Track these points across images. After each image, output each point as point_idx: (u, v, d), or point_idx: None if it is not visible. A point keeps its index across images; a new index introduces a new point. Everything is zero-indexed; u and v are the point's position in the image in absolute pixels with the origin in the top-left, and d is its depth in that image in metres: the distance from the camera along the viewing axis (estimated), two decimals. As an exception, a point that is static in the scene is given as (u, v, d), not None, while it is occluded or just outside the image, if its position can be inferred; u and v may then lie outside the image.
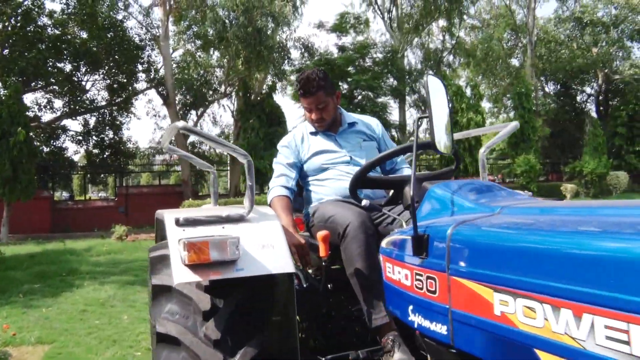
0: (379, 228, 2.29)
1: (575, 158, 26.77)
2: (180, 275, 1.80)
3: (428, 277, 1.41)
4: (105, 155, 24.70)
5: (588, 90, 30.82)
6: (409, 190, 1.97)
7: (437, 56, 27.01)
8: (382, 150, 2.79)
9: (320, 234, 2.06)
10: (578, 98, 31.00)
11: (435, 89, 1.58)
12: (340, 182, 2.57)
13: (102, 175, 27.64)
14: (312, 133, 2.75)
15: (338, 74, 21.20)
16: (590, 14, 27.50)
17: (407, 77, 24.81)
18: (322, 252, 2.06)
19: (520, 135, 22.57)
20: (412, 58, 28.19)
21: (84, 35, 21.00)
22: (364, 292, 2.08)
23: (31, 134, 17.06)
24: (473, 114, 20.56)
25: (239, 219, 2.05)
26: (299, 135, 2.76)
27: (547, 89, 31.49)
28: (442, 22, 26.43)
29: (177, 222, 1.96)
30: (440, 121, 1.57)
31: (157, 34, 20.80)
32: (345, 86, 22.33)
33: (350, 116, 2.82)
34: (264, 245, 1.98)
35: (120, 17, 21.50)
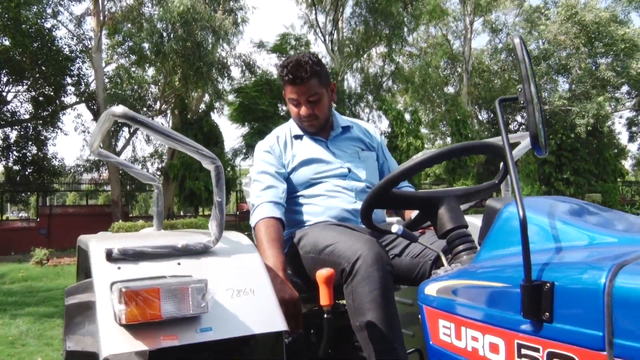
0: None
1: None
2: (112, 341, 1.15)
3: (554, 355, 0.83)
4: (27, 172, 22.88)
5: (519, 119, 31.86)
6: (447, 212, 1.41)
7: (376, 81, 27.12)
8: (381, 165, 2.21)
9: (323, 273, 1.44)
10: (511, 127, 31.97)
11: (526, 58, 1.02)
12: (334, 201, 1.97)
13: (22, 194, 25.61)
14: (296, 137, 2.14)
15: (277, 94, 20.71)
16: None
17: (347, 99, 24.67)
18: (325, 299, 1.43)
19: (458, 160, 22.82)
20: (352, 81, 28.15)
21: (6, 42, 19.43)
22: (381, 352, 1.48)
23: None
24: (413, 138, 20.63)
25: (203, 251, 1.42)
26: (282, 138, 2.14)
27: (480, 117, 32.30)
28: (381, 49, 26.65)
29: (110, 256, 1.30)
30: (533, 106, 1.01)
31: (89, 46, 19.59)
32: (285, 108, 21.83)
33: (343, 118, 2.24)
34: (241, 291, 1.35)
35: (48, 25, 20.11)
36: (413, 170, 1.40)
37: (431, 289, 1.20)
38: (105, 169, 21.04)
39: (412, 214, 1.59)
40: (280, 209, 1.94)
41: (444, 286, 1.14)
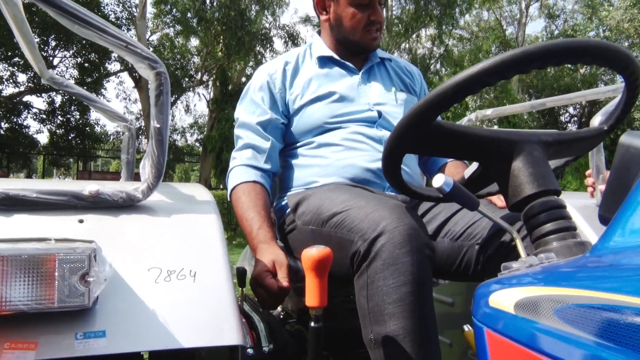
0: None
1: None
2: None
3: None
4: (70, 137, 23.08)
5: (571, 110, 30.33)
6: (526, 167, 0.84)
7: (424, 62, 26.26)
8: None
9: (312, 253, 0.86)
10: (562, 118, 30.49)
11: None
12: (354, 155, 1.41)
13: (65, 158, 26.00)
14: (321, 59, 1.56)
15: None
16: (582, 33, 26.96)
17: (393, 81, 23.94)
18: (314, 297, 0.86)
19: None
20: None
21: (55, 6, 19.42)
22: None
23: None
24: (459, 123, 19.79)
25: (123, 205, 0.88)
26: (291, 64, 1.55)
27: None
28: (431, 30, 25.74)
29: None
30: None
31: (134, 13, 19.40)
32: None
33: (381, 50, 1.66)
34: (173, 273, 0.82)
35: (95, -10, 20.02)
36: (487, 75, 0.80)
37: (503, 299, 0.63)
38: (145, 138, 20.98)
39: (467, 172, 1.01)
40: (262, 174, 1.43)
41: (532, 298, 0.57)
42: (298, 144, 1.49)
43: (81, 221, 0.84)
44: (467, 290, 1.64)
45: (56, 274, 0.66)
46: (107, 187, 0.88)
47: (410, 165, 1.45)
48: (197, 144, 21.90)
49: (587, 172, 1.54)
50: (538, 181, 0.83)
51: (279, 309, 1.63)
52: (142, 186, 0.90)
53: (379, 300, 0.97)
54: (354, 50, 1.55)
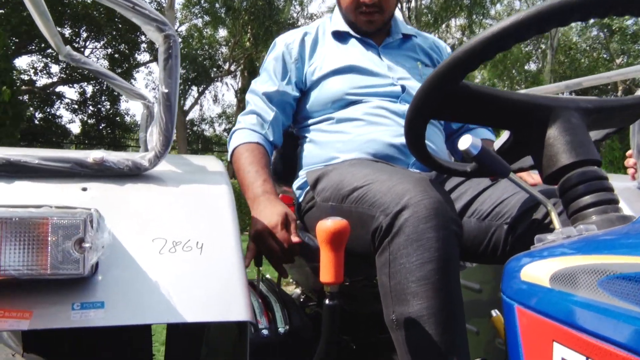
0: None
1: None
2: None
3: None
4: (101, 127, 23.49)
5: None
6: (563, 135, 0.77)
7: (454, 53, 25.87)
8: None
9: (327, 224, 0.81)
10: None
11: None
12: (376, 130, 1.34)
13: (96, 148, 26.47)
14: (336, 34, 1.51)
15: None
16: (619, 22, 26.16)
17: (421, 71, 23.63)
18: (328, 273, 0.80)
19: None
20: (428, 53, 27.06)
21: (86, -1, 19.73)
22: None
23: (25, 97, 15.96)
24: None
25: (129, 174, 0.84)
26: (311, 35, 1.51)
27: (563, 98, 30.36)
28: (461, 20, 25.32)
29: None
30: None
31: (163, 3, 19.53)
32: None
33: (406, 26, 1.58)
34: (179, 244, 0.77)
35: (125, -18, 20.22)
36: (522, 27, 0.71)
37: (536, 272, 0.56)
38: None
39: (497, 143, 0.94)
40: (265, 140, 1.40)
41: (571, 269, 0.50)
42: (317, 119, 1.43)
43: (84, 189, 0.80)
44: (495, 275, 1.56)
45: (49, 239, 0.61)
46: (113, 155, 0.84)
47: (436, 142, 1.38)
48: (225, 134, 22.01)
49: (628, 153, 1.44)
50: (576, 150, 0.75)
51: (298, 291, 1.58)
52: (149, 154, 0.85)
53: (402, 278, 0.90)
54: (357, 31, 1.49)
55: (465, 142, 0.78)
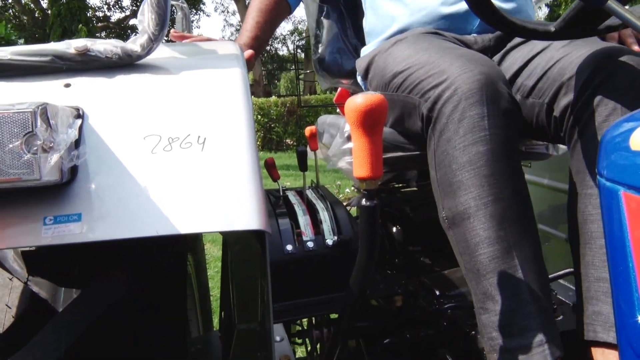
0: None
1: None
2: None
3: None
4: (177, 56, 24.01)
5: None
6: None
7: None
8: None
9: (362, 100, 0.61)
10: None
11: None
12: None
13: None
14: None
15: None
16: None
17: None
18: (362, 164, 0.63)
19: None
20: None
21: None
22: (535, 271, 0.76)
23: (102, 33, 16.46)
24: None
25: (119, 64, 0.70)
26: None
27: None
28: None
29: None
30: None
31: None
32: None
33: None
34: (176, 140, 0.63)
35: None
36: None
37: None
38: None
39: None
40: None
41: None
42: None
43: (67, 85, 0.67)
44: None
45: (7, 138, 0.50)
46: (99, 44, 0.70)
47: None
48: (300, 50, 21.68)
49: None
50: None
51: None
52: (142, 38, 0.70)
53: (446, 167, 0.78)
54: None
55: None
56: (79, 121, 0.58)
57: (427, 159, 0.85)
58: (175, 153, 0.61)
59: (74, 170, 0.57)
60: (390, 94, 0.97)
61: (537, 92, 0.92)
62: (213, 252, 3.43)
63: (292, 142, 12.05)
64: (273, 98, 12.56)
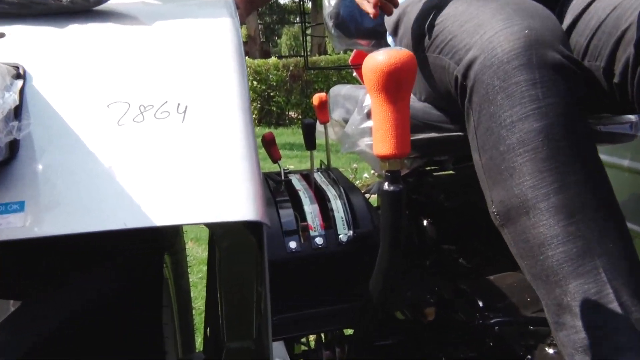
0: None
1: None
2: None
3: None
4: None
5: None
6: None
7: None
8: None
9: (384, 57, 0.58)
10: None
11: None
12: None
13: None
14: None
15: None
16: None
17: None
18: (384, 139, 0.60)
19: None
20: None
21: None
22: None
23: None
24: None
25: (75, 8, 0.68)
26: None
27: None
28: None
29: None
30: None
31: None
32: None
33: None
34: (149, 108, 0.61)
35: None
36: None
37: None
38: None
39: None
40: None
41: None
42: None
43: (2, 35, 0.65)
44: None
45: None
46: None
47: None
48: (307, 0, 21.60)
49: None
50: None
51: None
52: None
53: (493, 149, 0.75)
54: None
55: None
56: (20, 82, 0.56)
57: (468, 142, 0.83)
58: (149, 125, 0.58)
59: (13, 146, 0.55)
60: (421, 55, 0.95)
61: (593, 51, 0.88)
62: (197, 253, 3.43)
63: (296, 115, 12.03)
64: (272, 59, 12.51)
